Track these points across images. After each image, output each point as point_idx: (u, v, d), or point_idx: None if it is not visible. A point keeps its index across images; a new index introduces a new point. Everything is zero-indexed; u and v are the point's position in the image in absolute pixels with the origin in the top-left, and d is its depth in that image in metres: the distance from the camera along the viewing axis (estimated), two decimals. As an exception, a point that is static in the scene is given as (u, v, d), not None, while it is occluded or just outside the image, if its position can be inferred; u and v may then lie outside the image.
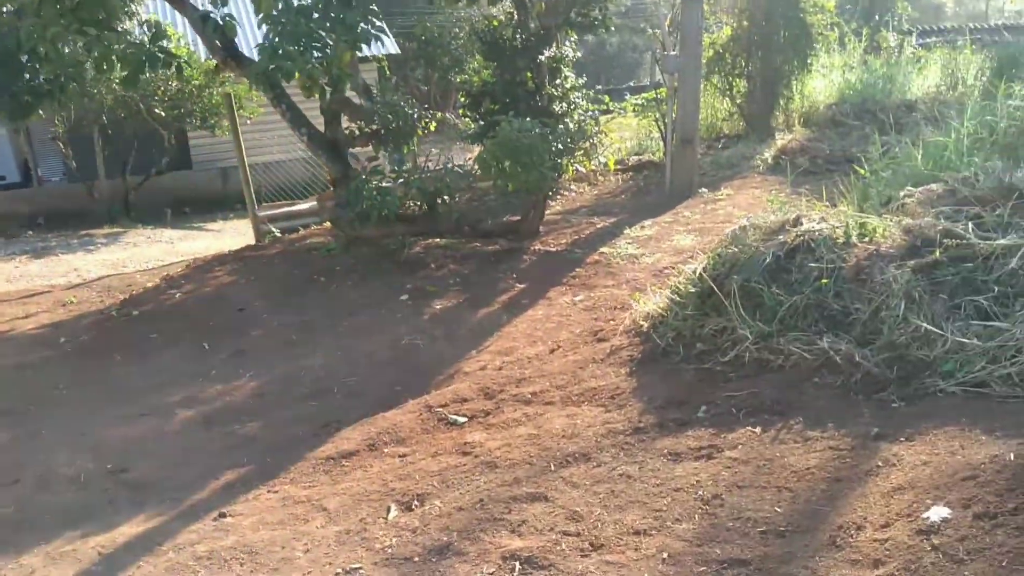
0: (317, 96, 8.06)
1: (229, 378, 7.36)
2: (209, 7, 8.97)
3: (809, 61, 16.19)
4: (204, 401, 6.92)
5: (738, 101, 16.82)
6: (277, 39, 7.35)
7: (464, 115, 16.34)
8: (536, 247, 9.72)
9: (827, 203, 7.30)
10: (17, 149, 21.98)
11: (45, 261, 14.85)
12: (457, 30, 29.88)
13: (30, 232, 16.88)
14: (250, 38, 18.25)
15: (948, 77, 15.45)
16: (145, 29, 8.32)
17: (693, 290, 6.18)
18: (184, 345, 8.34)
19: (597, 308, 7.74)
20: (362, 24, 7.91)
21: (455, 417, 5.82)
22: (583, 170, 13.51)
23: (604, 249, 9.34)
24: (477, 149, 17.69)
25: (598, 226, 10.54)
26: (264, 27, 7.66)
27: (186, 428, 6.46)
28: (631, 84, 41.92)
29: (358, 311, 8.64)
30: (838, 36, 17.59)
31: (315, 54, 7.46)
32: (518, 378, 6.33)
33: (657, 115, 16.41)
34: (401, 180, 9.49)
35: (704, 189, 11.88)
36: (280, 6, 7.42)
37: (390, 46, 22.35)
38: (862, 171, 7.59)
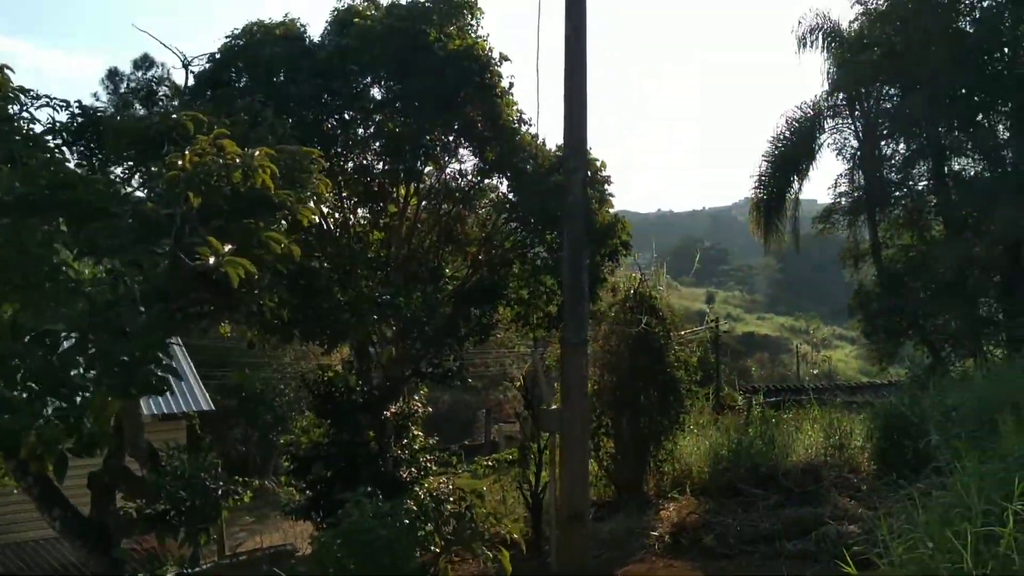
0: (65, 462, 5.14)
1: None
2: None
3: (681, 419, 14.68)
4: None
5: (605, 463, 14.82)
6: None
7: (287, 483, 13.44)
8: None
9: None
10: None
11: None
12: (283, 387, 27.58)
13: None
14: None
15: (832, 438, 14.13)
16: None
17: None
18: None
19: None
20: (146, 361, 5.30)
21: None
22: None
23: None
24: (303, 526, 14.66)
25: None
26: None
27: None
28: (466, 443, 40.08)
29: None
30: (709, 393, 16.40)
31: (54, 404, 4.75)
32: None
33: (517, 478, 14.13)
34: (190, 589, 6.39)
35: (599, 579, 9.31)
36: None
37: (203, 402, 19.54)
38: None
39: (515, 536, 7.91)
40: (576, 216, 9.74)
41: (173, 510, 7.37)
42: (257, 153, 5.48)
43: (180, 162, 5.37)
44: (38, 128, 8.15)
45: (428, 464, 12.53)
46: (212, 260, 5.05)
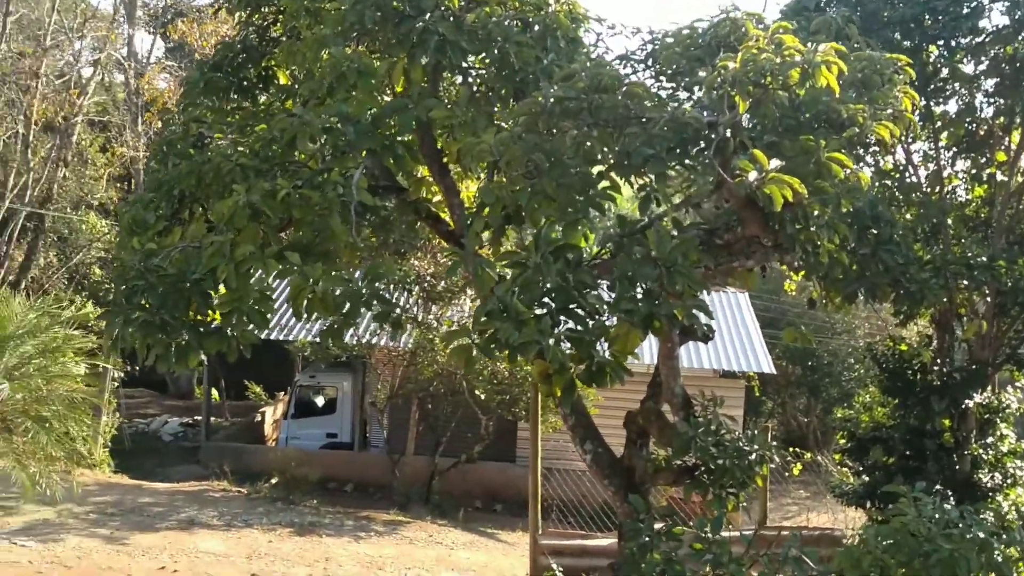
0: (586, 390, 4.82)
1: None
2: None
3: None
4: None
5: None
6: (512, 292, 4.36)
7: (842, 462, 12.19)
8: None
9: None
10: (356, 408, 21.36)
11: (304, 541, 12.73)
12: (852, 360, 25.81)
13: (314, 500, 15.15)
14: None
15: None
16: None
17: None
18: None
19: None
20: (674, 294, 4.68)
21: None
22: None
23: None
24: (854, 513, 13.27)
25: None
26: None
27: None
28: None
29: None
30: None
31: (567, 325, 4.35)
32: None
33: None
34: (709, 556, 5.74)
35: None
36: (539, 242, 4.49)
37: (764, 364, 18.97)
38: None
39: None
40: None
41: (703, 466, 6.79)
42: (822, 47, 4.45)
43: (730, 64, 4.60)
44: (610, 56, 8.10)
45: (1017, 472, 10.31)
46: (752, 176, 4.19)
